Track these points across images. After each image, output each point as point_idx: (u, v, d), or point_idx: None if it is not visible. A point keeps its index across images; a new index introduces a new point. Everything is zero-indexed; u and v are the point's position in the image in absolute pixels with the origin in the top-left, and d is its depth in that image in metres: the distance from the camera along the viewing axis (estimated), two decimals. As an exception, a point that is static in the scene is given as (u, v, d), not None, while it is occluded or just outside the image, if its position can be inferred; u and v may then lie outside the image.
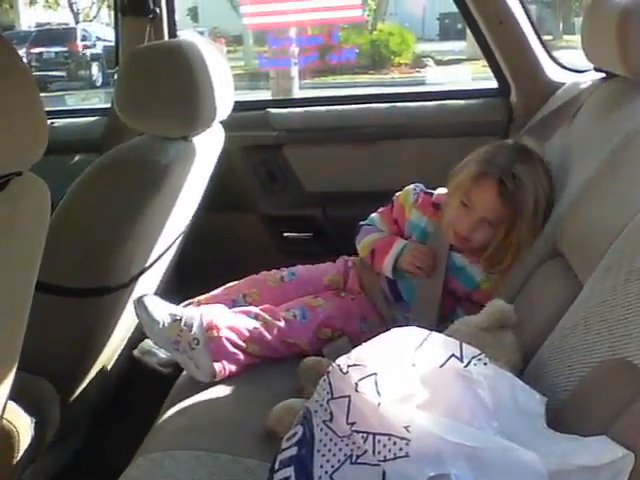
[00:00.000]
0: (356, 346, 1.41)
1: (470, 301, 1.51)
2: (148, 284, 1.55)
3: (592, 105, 1.55)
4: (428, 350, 0.95)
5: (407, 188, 1.64)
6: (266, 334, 1.39)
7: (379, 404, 0.86)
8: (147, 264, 1.46)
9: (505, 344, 1.05)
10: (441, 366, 0.93)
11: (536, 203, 1.38)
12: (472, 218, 1.44)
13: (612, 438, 0.80)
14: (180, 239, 1.68)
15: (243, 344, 1.37)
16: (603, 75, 1.58)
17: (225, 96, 1.49)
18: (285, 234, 2.09)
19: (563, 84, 1.85)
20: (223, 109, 1.51)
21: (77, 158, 2.16)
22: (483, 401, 0.89)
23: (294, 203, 2.07)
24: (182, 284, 1.89)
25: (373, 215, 1.68)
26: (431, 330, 1.40)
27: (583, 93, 1.64)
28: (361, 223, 1.68)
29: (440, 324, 1.48)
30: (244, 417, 1.22)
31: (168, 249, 1.59)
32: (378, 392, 0.87)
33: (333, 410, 0.91)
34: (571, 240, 1.19)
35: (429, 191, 1.63)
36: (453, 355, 0.94)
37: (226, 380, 1.33)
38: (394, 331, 0.99)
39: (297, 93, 5.80)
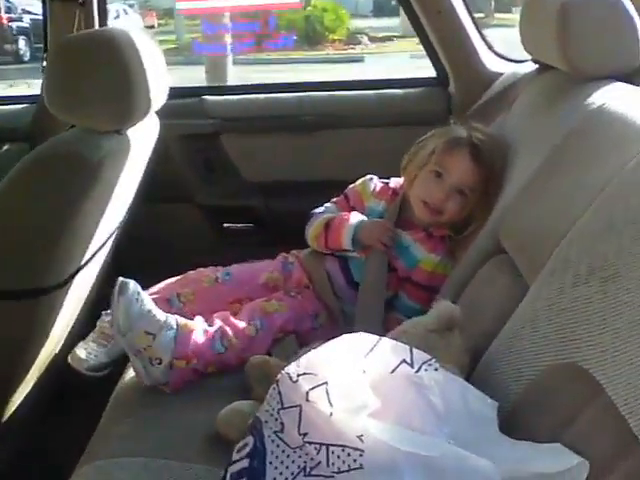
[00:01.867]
0: (303, 343, 1.44)
1: (411, 283, 1.52)
2: (85, 282, 1.49)
3: (529, 97, 1.57)
4: (378, 356, 0.94)
5: (364, 179, 1.67)
6: (229, 358, 1.35)
7: (331, 414, 0.85)
8: (83, 262, 1.41)
9: (454, 346, 1.05)
10: (392, 372, 0.92)
11: (502, 168, 1.43)
12: (447, 186, 1.47)
13: (566, 444, 0.81)
14: (116, 233, 1.63)
15: (203, 369, 1.33)
16: (540, 66, 1.60)
17: (160, 86, 1.43)
18: (225, 225, 2.05)
19: (501, 74, 1.87)
20: (158, 99, 1.45)
21: (5, 148, 2.06)
22: (434, 407, 0.89)
23: (233, 193, 2.03)
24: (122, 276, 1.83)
25: (327, 204, 1.68)
26: (380, 311, 1.48)
27: (520, 83, 1.66)
28: (313, 211, 1.67)
29: (385, 311, 1.50)
30: (192, 420, 1.19)
31: (104, 245, 1.53)
32: (330, 401, 0.86)
33: (284, 420, 0.89)
34: (513, 238, 1.20)
35: (384, 180, 1.66)
36: (404, 361, 0.93)
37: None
38: (344, 337, 0.97)
39: (231, 68, 5.72)
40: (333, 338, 1.42)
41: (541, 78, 1.57)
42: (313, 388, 0.88)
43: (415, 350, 0.95)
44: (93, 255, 1.45)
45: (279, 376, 0.94)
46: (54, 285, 1.31)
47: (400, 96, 2.01)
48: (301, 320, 1.48)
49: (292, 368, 0.93)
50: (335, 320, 1.52)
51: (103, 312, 1.52)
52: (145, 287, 1.51)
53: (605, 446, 0.78)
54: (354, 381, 0.89)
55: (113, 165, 1.35)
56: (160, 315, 1.31)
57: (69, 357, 1.47)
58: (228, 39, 5.14)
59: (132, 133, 1.41)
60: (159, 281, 1.56)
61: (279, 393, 0.92)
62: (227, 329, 1.38)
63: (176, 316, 1.35)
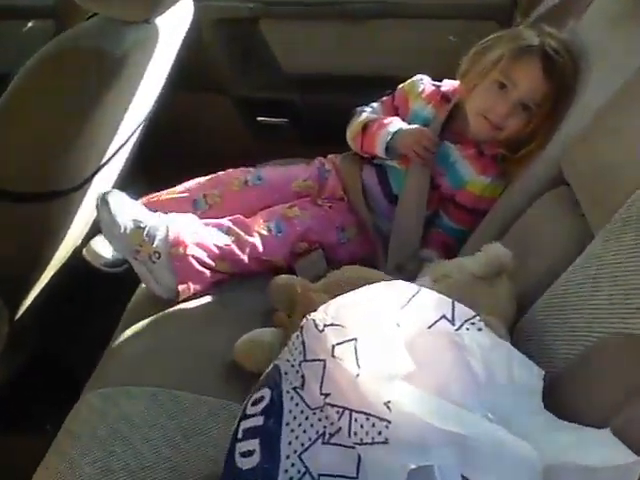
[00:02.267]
0: (330, 258, 1.34)
1: (454, 203, 1.40)
2: (105, 181, 1.40)
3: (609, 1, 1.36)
4: (416, 308, 0.84)
5: (413, 78, 1.51)
6: (238, 252, 1.27)
7: (358, 375, 0.75)
8: (102, 162, 1.31)
9: (501, 295, 0.94)
10: (429, 327, 0.82)
11: (574, 76, 1.26)
12: (511, 100, 1.30)
13: (615, 430, 0.71)
14: (141, 128, 1.51)
15: (212, 263, 1.25)
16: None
17: None
18: (259, 118, 1.90)
19: None
20: None
21: (29, 25, 1.90)
22: (475, 373, 0.79)
23: (270, 85, 1.87)
24: (148, 173, 1.73)
25: (373, 104, 1.54)
26: (417, 230, 1.37)
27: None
28: (358, 108, 1.53)
29: (425, 227, 1.39)
30: (209, 345, 1.12)
31: (127, 142, 1.42)
32: (357, 361, 0.76)
33: (306, 375, 0.80)
34: (580, 171, 1.05)
35: (436, 82, 1.49)
36: (444, 316, 0.83)
37: (189, 298, 1.22)
38: (379, 285, 0.87)
39: None
40: (363, 254, 1.38)
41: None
42: (340, 343, 0.79)
43: (458, 305, 0.84)
44: (114, 154, 1.34)
45: (304, 322, 0.85)
46: (70, 188, 1.22)
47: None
48: (325, 231, 1.37)
49: (319, 315, 0.83)
50: (366, 235, 1.41)
51: None
52: (172, 182, 1.45)
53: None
54: (387, 339, 0.80)
55: (139, 58, 1.22)
56: (150, 214, 1.27)
57: (84, 250, 1.41)
58: None
59: (161, 21, 1.27)
60: (188, 176, 1.46)
61: (302, 343, 0.83)
62: (232, 225, 1.30)
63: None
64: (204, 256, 1.24)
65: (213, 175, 1.44)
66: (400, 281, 0.87)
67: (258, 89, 1.88)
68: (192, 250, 1.23)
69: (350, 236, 1.40)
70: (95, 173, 1.28)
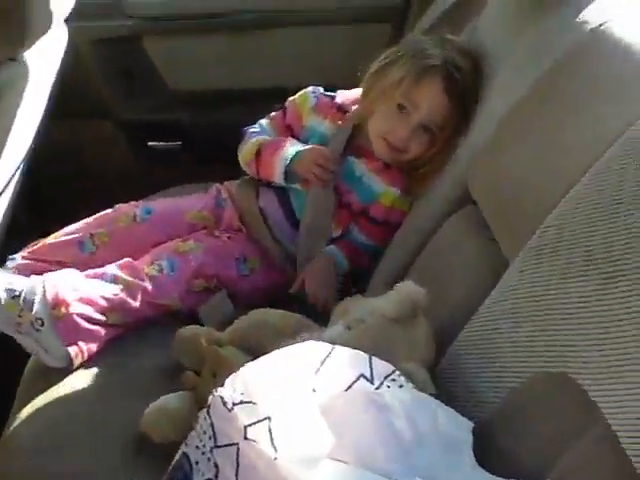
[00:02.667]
0: (236, 297, 1.26)
1: (366, 217, 1.33)
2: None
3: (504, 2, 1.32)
4: (331, 371, 0.77)
5: (304, 91, 1.43)
6: (129, 299, 1.16)
7: (275, 459, 0.69)
8: None
9: (419, 337, 0.88)
10: (347, 389, 0.76)
11: (478, 90, 1.21)
12: (412, 123, 1.25)
13: (554, 481, 0.68)
14: (22, 168, 1.39)
15: (102, 317, 1.13)
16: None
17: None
18: (150, 143, 1.79)
19: None
20: (62, 9, 1.19)
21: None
22: (400, 435, 0.74)
23: (158, 107, 1.76)
24: (37, 214, 1.61)
25: (261, 121, 1.45)
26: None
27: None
28: (247, 129, 1.45)
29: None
30: (113, 420, 1.00)
31: (6, 187, 1.30)
32: (273, 442, 0.69)
33: (219, 463, 0.73)
34: (485, 191, 1.01)
35: (329, 94, 1.42)
36: (362, 375, 0.77)
37: (86, 363, 1.11)
38: (290, 348, 0.80)
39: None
40: (269, 284, 1.31)
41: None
42: (253, 424, 0.71)
43: (375, 361, 0.78)
44: None
45: (211, 399, 0.77)
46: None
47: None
48: (223, 264, 1.28)
49: (227, 391, 0.76)
50: (272, 264, 1.33)
51: (8, 257, 1.32)
52: (62, 221, 1.35)
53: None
54: (302, 412, 0.73)
55: (8, 99, 1.12)
56: (22, 279, 1.15)
57: None
58: None
59: (31, 54, 1.16)
60: (74, 213, 1.36)
61: (212, 425, 0.75)
62: (119, 271, 1.19)
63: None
64: (91, 312, 1.12)
65: (100, 213, 1.34)
66: (312, 342, 0.80)
67: (146, 112, 1.77)
68: (75, 308, 1.11)
69: (253, 267, 1.31)
70: None
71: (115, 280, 1.18)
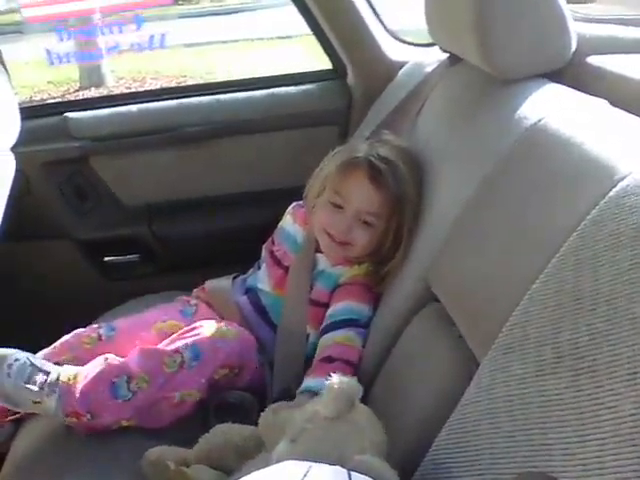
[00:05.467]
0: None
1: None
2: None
3: (442, 100, 1.37)
4: (311, 490, 0.74)
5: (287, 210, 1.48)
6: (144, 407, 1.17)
7: None
8: None
9: (362, 425, 0.87)
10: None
11: (414, 180, 1.24)
12: (348, 215, 1.27)
13: None
14: None
15: (114, 424, 1.16)
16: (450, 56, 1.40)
17: (8, 125, 1.17)
18: (106, 259, 1.78)
19: (405, 62, 1.67)
20: (7, 141, 1.19)
21: None
22: None
23: (112, 222, 1.75)
24: None
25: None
26: (301, 353, 1.27)
27: (428, 80, 1.45)
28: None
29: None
30: None
31: None
32: None
33: None
34: (447, 289, 1.02)
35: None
36: (342, 495, 0.74)
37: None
38: (265, 473, 0.77)
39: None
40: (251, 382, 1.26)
41: (454, 74, 1.37)
42: None
43: (354, 475, 0.75)
44: None
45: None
46: None
47: (295, 94, 1.77)
48: (247, 353, 1.26)
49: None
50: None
51: None
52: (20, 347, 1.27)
53: None
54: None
55: None
56: (40, 379, 1.16)
57: None
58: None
59: None
60: (37, 336, 1.31)
61: None
62: (134, 368, 1.17)
63: (62, 369, 1.19)
64: (103, 420, 1.16)
65: (59, 341, 1.30)
66: (288, 462, 0.77)
67: (100, 229, 1.76)
68: (87, 419, 1.16)
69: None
70: None
71: (129, 381, 1.16)
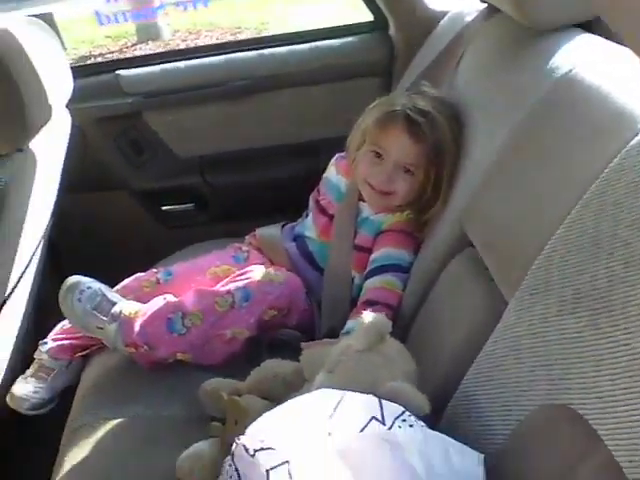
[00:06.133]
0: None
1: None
2: (14, 312, 1.34)
3: (479, 52, 1.39)
4: (344, 414, 0.82)
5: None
6: (197, 342, 1.28)
7: (297, 500, 0.73)
8: (6, 294, 1.25)
9: (393, 357, 0.95)
10: (361, 431, 0.81)
11: (452, 131, 1.28)
12: (387, 166, 1.33)
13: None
14: (42, 245, 1.46)
15: (169, 357, 1.27)
16: (488, 6, 1.42)
17: (61, 83, 1.25)
18: (164, 208, 1.87)
19: (445, 13, 1.69)
20: (61, 98, 1.27)
21: None
22: (414, 471, 0.78)
23: (168, 173, 1.84)
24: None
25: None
26: (346, 296, 1.35)
27: (466, 32, 1.47)
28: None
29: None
30: (148, 471, 1.07)
31: (28, 265, 1.37)
32: (293, 484, 0.74)
33: (245, 507, 0.78)
34: (480, 233, 1.07)
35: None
36: (374, 418, 0.82)
37: (118, 421, 1.17)
38: (304, 397, 0.85)
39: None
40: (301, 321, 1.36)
41: (491, 25, 1.39)
42: (274, 467, 0.76)
43: (385, 403, 0.83)
44: (16, 283, 1.29)
45: (234, 447, 0.82)
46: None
47: (337, 47, 1.81)
48: (295, 296, 1.35)
49: (248, 439, 0.81)
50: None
51: (40, 342, 1.41)
52: None
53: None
54: (319, 454, 0.78)
55: (19, 188, 1.20)
56: (106, 307, 1.29)
57: (7, 398, 1.35)
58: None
59: (36, 144, 1.24)
60: (103, 281, 1.42)
61: (236, 471, 0.80)
62: (189, 306, 1.28)
63: (127, 303, 1.31)
64: (158, 352, 1.27)
65: (121, 285, 1.41)
66: (323, 390, 0.85)
67: (157, 179, 1.85)
68: (144, 350, 1.27)
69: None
70: (1, 307, 1.23)
71: (184, 317, 1.27)
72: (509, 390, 0.85)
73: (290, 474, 0.75)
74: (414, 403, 0.87)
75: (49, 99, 1.18)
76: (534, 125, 1.03)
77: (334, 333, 1.27)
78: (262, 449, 0.78)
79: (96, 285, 1.31)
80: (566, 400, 0.76)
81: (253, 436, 0.81)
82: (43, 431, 1.27)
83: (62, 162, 1.43)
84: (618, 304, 0.73)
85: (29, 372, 1.40)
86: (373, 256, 1.34)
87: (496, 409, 0.86)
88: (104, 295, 1.29)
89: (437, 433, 0.82)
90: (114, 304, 1.29)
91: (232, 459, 0.81)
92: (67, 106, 1.47)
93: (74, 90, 1.44)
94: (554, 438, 0.78)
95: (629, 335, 0.71)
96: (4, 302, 1.25)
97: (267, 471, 0.76)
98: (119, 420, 1.18)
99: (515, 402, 0.83)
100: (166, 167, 1.84)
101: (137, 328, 1.26)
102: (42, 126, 1.19)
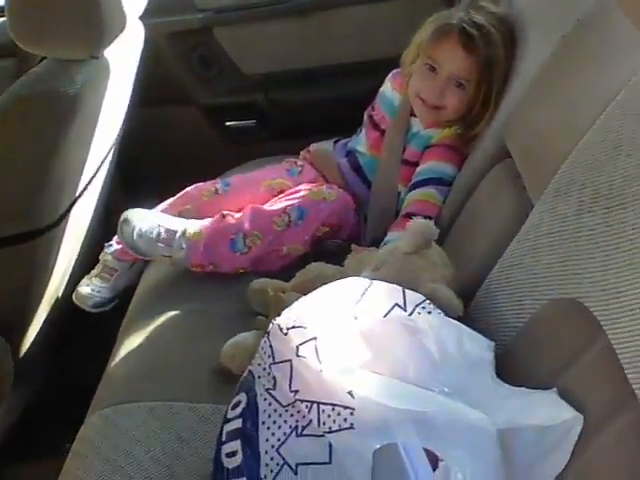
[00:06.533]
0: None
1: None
2: (82, 214, 1.46)
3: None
4: (370, 300, 0.90)
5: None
6: (255, 257, 1.37)
7: (321, 370, 0.82)
8: (76, 195, 1.37)
9: (435, 261, 1.02)
10: (385, 316, 0.89)
11: (507, 54, 1.31)
12: (440, 79, 1.36)
13: (560, 390, 0.78)
14: (113, 152, 1.57)
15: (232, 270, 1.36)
16: None
17: None
18: (227, 123, 1.95)
19: None
20: (135, 10, 1.35)
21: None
22: (429, 353, 0.86)
23: (233, 89, 1.91)
24: (131, 195, 1.81)
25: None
26: (391, 208, 1.43)
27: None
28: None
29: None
30: (197, 355, 1.19)
31: (98, 171, 1.48)
32: (319, 358, 0.83)
33: (276, 376, 0.87)
34: (518, 143, 1.11)
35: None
36: (396, 304, 0.90)
37: (175, 313, 1.29)
38: (335, 283, 0.93)
39: None
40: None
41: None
42: (303, 343, 0.85)
43: (408, 292, 0.91)
44: (86, 186, 1.41)
45: (270, 327, 0.92)
46: (49, 225, 1.28)
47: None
48: (346, 213, 1.42)
49: (283, 319, 0.90)
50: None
51: (105, 244, 1.52)
52: (153, 199, 1.53)
53: (601, 398, 0.74)
54: (344, 334, 0.86)
55: (93, 92, 1.28)
56: (169, 236, 1.35)
57: (74, 295, 1.47)
58: None
59: (111, 52, 1.33)
60: (165, 190, 1.53)
61: (270, 347, 0.89)
62: (248, 227, 1.36)
63: (187, 225, 1.37)
64: (222, 268, 1.37)
65: (181, 193, 1.50)
66: (353, 278, 0.93)
67: (222, 95, 1.92)
68: (210, 269, 1.36)
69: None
70: (71, 206, 1.34)
71: (245, 237, 1.35)
72: (525, 286, 0.91)
73: (317, 349, 0.84)
74: (450, 305, 0.94)
75: (124, 7, 1.26)
76: (578, 37, 1.06)
77: (377, 244, 1.34)
78: (294, 327, 0.87)
79: (152, 217, 1.39)
80: (575, 294, 0.82)
81: (287, 317, 0.90)
82: (105, 326, 1.39)
83: (134, 74, 1.51)
84: (629, 201, 0.77)
85: (94, 272, 1.51)
86: (418, 169, 1.39)
87: (512, 304, 0.92)
88: (161, 225, 1.37)
89: (453, 320, 0.89)
90: (175, 232, 1.36)
91: (267, 337, 0.90)
92: (141, 19, 1.55)
93: (148, 3, 1.51)
94: (561, 328, 0.84)
95: (636, 230, 0.75)
96: (74, 202, 1.36)
97: (297, 346, 0.85)
98: (173, 313, 1.29)
99: (529, 296, 0.89)
100: (232, 83, 1.91)
101: (202, 249, 1.34)
102: (116, 35, 1.26)
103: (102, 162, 1.48)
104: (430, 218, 1.30)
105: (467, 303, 1.01)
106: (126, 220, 1.36)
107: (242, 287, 1.29)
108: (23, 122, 1.18)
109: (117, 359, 1.21)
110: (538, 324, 0.87)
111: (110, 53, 1.32)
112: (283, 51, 1.88)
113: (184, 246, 1.35)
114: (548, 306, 0.86)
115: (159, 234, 1.36)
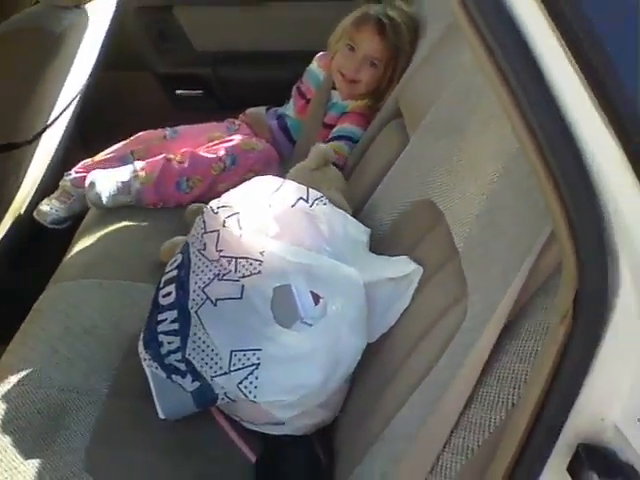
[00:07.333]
0: None
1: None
2: (51, 141, 1.71)
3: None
4: (282, 194, 1.20)
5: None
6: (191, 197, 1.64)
7: (241, 235, 1.11)
8: (49, 121, 1.62)
9: (332, 176, 1.37)
10: (292, 206, 1.19)
11: (411, 42, 1.64)
12: (358, 57, 1.69)
13: (415, 259, 1.10)
14: (79, 98, 1.83)
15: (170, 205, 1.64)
16: None
17: None
18: (178, 91, 2.24)
19: None
20: None
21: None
22: (321, 231, 1.16)
23: (185, 62, 2.20)
24: (86, 139, 2.06)
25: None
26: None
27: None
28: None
29: None
30: (141, 251, 1.46)
31: (67, 107, 1.74)
32: (240, 226, 1.12)
33: (206, 241, 1.15)
34: (406, 100, 1.45)
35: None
36: (301, 198, 1.20)
37: (125, 223, 1.56)
38: (256, 179, 1.23)
39: None
40: None
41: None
42: (229, 217, 1.14)
43: (311, 190, 1.21)
44: (58, 116, 1.66)
45: (204, 208, 1.20)
46: (24, 141, 1.53)
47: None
48: (269, 163, 1.72)
49: (214, 202, 1.19)
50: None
51: (65, 173, 1.77)
52: (105, 145, 1.78)
53: (436, 258, 1.06)
54: (260, 212, 1.16)
55: (74, 37, 1.54)
56: (125, 186, 1.61)
57: (35, 212, 1.72)
58: None
59: (91, 7, 1.60)
60: (118, 139, 1.79)
61: (203, 221, 1.18)
62: (191, 171, 1.63)
63: (137, 170, 1.62)
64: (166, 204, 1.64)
65: (134, 136, 1.78)
66: (270, 176, 1.23)
67: (175, 66, 2.21)
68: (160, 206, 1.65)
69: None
70: (44, 130, 1.60)
71: (188, 180, 1.63)
72: (398, 191, 1.24)
73: (239, 221, 1.13)
74: (340, 207, 1.25)
75: None
76: (455, 27, 1.40)
77: None
78: (222, 207, 1.17)
79: (109, 175, 1.62)
80: (429, 196, 1.14)
81: (218, 201, 1.19)
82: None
83: (105, 32, 1.79)
84: (468, 127, 1.10)
85: (54, 195, 1.74)
86: (334, 130, 1.72)
87: (387, 206, 1.25)
88: (117, 181, 1.61)
89: (341, 211, 1.20)
90: (129, 182, 1.60)
91: (202, 214, 1.19)
92: None
93: None
94: (418, 219, 1.16)
95: (468, 143, 1.08)
96: (46, 127, 1.62)
97: (224, 220, 1.14)
98: (125, 223, 1.56)
99: (399, 200, 1.22)
100: (184, 57, 2.20)
101: (153, 190, 1.61)
102: None
103: (72, 100, 1.74)
104: (339, 166, 1.62)
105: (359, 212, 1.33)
106: (91, 184, 1.60)
107: (182, 212, 1.57)
108: (13, 50, 1.44)
109: (74, 251, 1.47)
110: (403, 218, 1.19)
111: (90, 8, 1.60)
112: (232, 34, 2.18)
113: (138, 188, 1.61)
114: (410, 205, 1.18)
115: (118, 188, 1.61)
